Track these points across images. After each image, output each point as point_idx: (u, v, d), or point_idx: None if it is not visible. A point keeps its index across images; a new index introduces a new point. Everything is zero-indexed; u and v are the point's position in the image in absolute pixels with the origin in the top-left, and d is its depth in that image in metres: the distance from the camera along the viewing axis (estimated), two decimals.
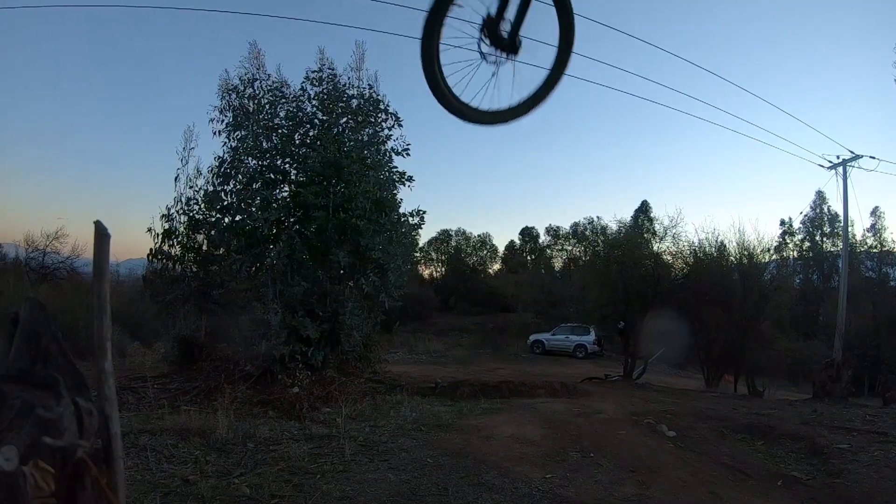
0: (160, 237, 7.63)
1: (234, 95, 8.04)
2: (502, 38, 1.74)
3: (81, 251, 16.93)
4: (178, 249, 7.75)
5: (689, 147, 66.11)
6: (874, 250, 26.46)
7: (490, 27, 1.73)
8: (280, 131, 7.97)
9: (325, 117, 8.08)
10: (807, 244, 28.48)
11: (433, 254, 33.87)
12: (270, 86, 8.15)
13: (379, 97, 8.34)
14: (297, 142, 8.03)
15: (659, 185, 59.78)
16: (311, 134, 8.13)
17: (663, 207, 59.61)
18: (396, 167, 8.50)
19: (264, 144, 7.81)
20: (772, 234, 29.75)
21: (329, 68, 8.22)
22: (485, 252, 33.94)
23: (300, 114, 8.08)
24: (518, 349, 20.04)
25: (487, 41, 1.75)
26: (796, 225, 28.45)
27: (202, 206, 7.77)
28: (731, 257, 12.52)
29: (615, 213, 38.12)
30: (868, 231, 27.22)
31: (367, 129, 8.27)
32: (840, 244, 18.03)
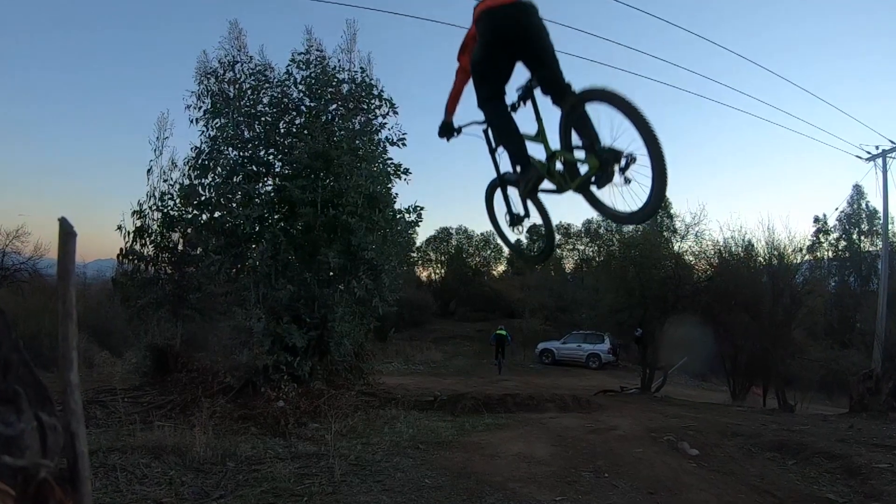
0: (131, 236, 7.63)
1: (212, 79, 8.05)
2: (518, 217, 2.92)
3: (45, 251, 16.94)
4: (151, 249, 7.75)
5: (713, 137, 66.25)
6: None
7: (513, 222, 2.96)
8: (263, 119, 7.97)
9: (312, 104, 8.08)
10: (843, 243, 28.48)
11: (432, 254, 33.91)
12: (253, 69, 8.15)
13: (372, 81, 8.35)
14: (283, 131, 8.03)
15: (680, 179, 59.81)
16: (297, 122, 8.13)
17: (685, 203, 59.74)
18: (391, 158, 8.53)
19: (246, 134, 7.82)
20: (804, 232, 29.78)
21: (317, 50, 8.23)
22: (488, 252, 33.95)
23: (285, 100, 8.09)
24: (525, 359, 20.06)
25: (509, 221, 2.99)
26: (831, 222, 28.44)
27: (178, 201, 7.77)
28: (760, 258, 12.53)
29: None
30: None
31: (358, 117, 8.28)
32: (879, 243, 18.03)
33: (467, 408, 7.71)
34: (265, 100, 8.10)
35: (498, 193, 2.99)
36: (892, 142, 11.43)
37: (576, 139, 2.32)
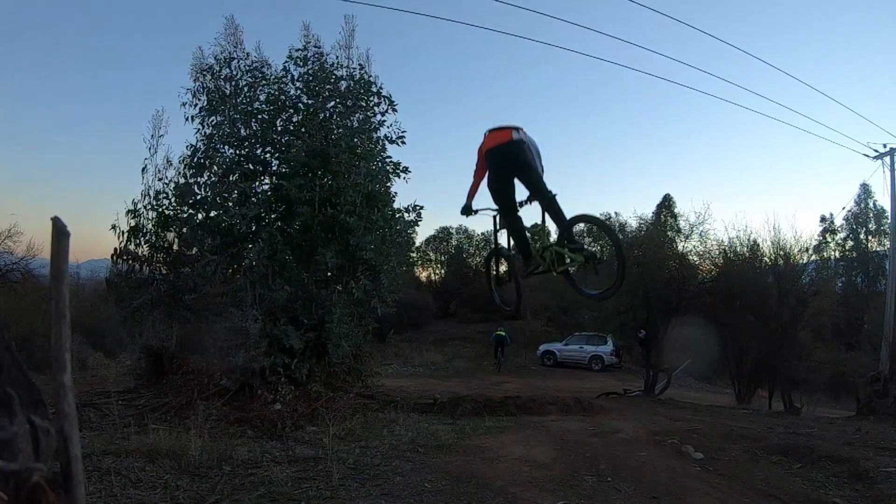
0: (126, 235, 7.62)
1: (208, 76, 8.04)
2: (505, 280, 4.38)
3: (37, 251, 16.90)
4: (146, 249, 7.74)
5: (717, 134, 66.27)
6: None
7: (499, 283, 4.38)
8: (260, 117, 7.97)
9: (310, 101, 8.08)
10: (850, 243, 28.49)
11: (431, 254, 33.91)
12: (249, 66, 8.15)
13: (371, 78, 8.34)
14: (280, 128, 8.03)
15: (683, 177, 59.97)
16: (294, 120, 8.13)
17: (689, 202, 59.89)
18: (390, 157, 8.52)
19: (242, 131, 7.81)
20: (811, 231, 29.77)
21: (315, 46, 8.22)
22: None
23: (283, 97, 8.08)
24: (527, 360, 20.06)
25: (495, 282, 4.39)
26: (838, 222, 28.45)
27: (173, 200, 7.77)
28: (766, 258, 12.53)
29: (635, 209, 37.90)
30: None
31: (357, 115, 8.27)
32: (887, 243, 18.03)
33: (468, 410, 7.72)
34: (262, 97, 8.09)
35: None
36: None
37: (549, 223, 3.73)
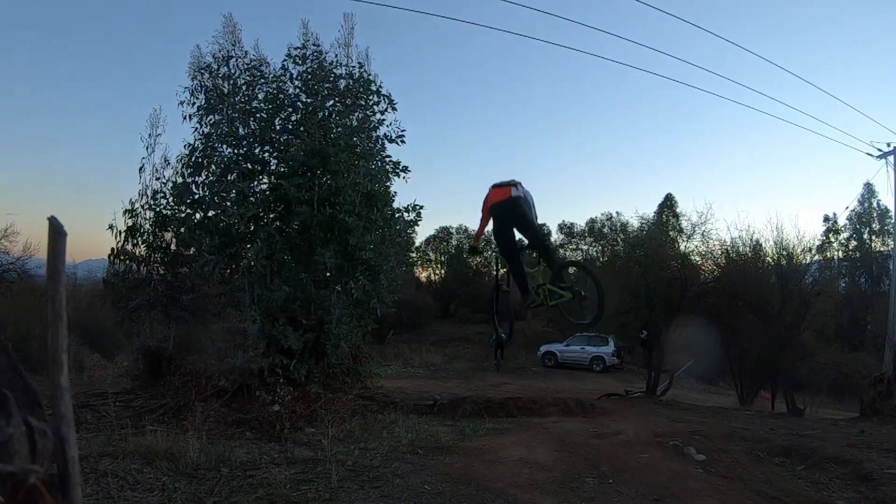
0: (123, 235, 7.62)
1: (206, 75, 8.03)
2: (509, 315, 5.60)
3: (34, 251, 16.88)
4: (143, 249, 7.74)
5: (719, 133, 66.25)
6: None
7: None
8: (258, 116, 7.97)
9: (309, 100, 8.07)
10: (853, 243, 28.50)
11: (431, 254, 33.94)
12: (248, 64, 8.15)
13: (370, 77, 8.34)
14: (278, 127, 8.03)
15: (685, 177, 59.96)
16: (293, 119, 8.13)
17: (691, 202, 59.86)
18: (390, 156, 8.51)
19: (241, 130, 7.81)
20: (814, 231, 29.86)
21: (314, 44, 8.22)
22: (490, 252, 33.95)
23: (281, 96, 8.08)
24: (528, 361, 20.05)
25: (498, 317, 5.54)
26: (841, 221, 28.46)
27: (170, 200, 7.77)
28: (768, 258, 12.52)
29: (636, 208, 38.23)
30: None
31: (356, 114, 8.27)
32: (891, 242, 18.03)
33: (468, 412, 7.72)
34: (260, 96, 8.08)
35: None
36: None
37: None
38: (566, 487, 4.34)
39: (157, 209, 7.75)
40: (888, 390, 9.70)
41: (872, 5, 55.50)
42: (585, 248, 32.18)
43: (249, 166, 7.81)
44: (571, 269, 5.49)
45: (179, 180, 7.71)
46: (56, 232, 0.79)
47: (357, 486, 4.17)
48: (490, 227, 4.75)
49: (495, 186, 4.60)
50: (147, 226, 7.74)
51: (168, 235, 7.84)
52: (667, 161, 63.14)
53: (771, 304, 11.64)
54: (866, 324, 20.79)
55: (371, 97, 8.35)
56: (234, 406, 6.53)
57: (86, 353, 11.89)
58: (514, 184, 4.57)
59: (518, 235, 4.71)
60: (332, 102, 8.18)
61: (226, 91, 7.95)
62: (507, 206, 4.53)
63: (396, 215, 8.49)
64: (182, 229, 7.63)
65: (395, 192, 8.52)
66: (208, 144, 7.68)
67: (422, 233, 34.66)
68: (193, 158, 7.65)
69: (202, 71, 8.04)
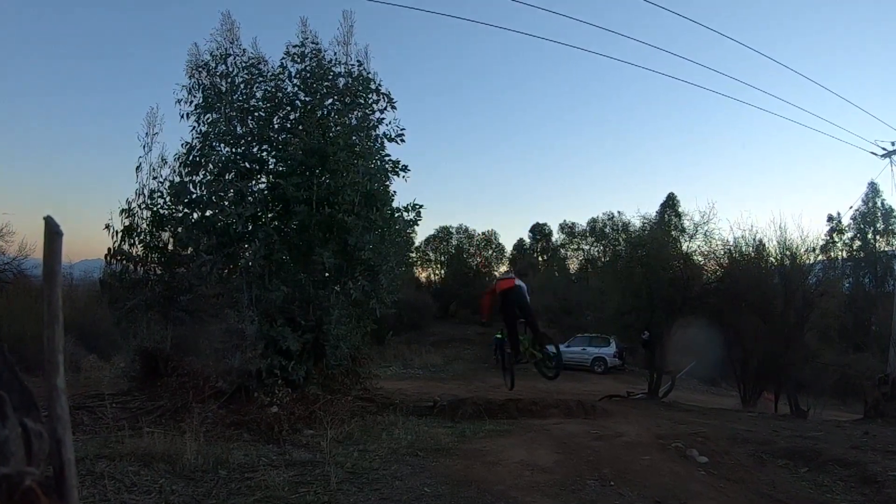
0: (119, 235, 7.61)
1: (204, 73, 8.02)
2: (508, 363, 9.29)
3: (30, 251, 16.92)
4: (140, 249, 7.73)
5: (722, 132, 66.27)
6: None
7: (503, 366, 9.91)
8: (256, 114, 7.96)
9: (307, 98, 8.07)
10: (857, 243, 28.52)
11: (431, 254, 33.93)
12: (246, 62, 8.14)
13: (369, 75, 8.33)
14: (276, 126, 8.02)
15: (688, 176, 60.00)
16: (291, 117, 8.12)
17: (693, 201, 59.94)
18: (389, 155, 8.49)
19: (238, 129, 7.81)
20: (818, 231, 29.87)
21: (313, 42, 8.20)
22: (490, 252, 33.96)
23: (279, 94, 8.07)
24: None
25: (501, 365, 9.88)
26: (846, 221, 28.46)
27: (167, 199, 7.75)
28: (772, 258, 12.54)
29: (638, 208, 38.17)
30: None
31: (355, 112, 8.26)
32: (895, 242, 18.02)
33: (468, 413, 7.71)
34: (258, 94, 8.07)
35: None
36: None
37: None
38: (567, 490, 4.34)
39: (155, 209, 7.73)
40: (893, 391, 9.71)
41: (876, 4, 55.52)
42: (587, 247, 32.20)
43: (247, 165, 7.80)
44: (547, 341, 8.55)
45: (177, 179, 7.69)
46: (52, 232, 0.79)
47: (356, 489, 4.16)
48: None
49: (500, 279, 8.56)
50: (144, 225, 7.72)
51: (165, 235, 7.82)
52: (668, 160, 63.20)
53: (774, 305, 11.65)
54: (870, 324, 20.78)
55: (370, 95, 8.33)
56: (231, 407, 6.52)
57: (82, 354, 11.89)
58: (514, 276, 8.19)
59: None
60: (330, 101, 8.17)
61: (224, 89, 7.94)
62: (511, 293, 7.91)
63: (396, 215, 8.48)
64: (179, 229, 7.62)
65: (395, 192, 8.53)
66: (206, 143, 7.66)
67: (422, 233, 34.63)
68: (191, 157, 7.63)
69: (200, 69, 8.03)
